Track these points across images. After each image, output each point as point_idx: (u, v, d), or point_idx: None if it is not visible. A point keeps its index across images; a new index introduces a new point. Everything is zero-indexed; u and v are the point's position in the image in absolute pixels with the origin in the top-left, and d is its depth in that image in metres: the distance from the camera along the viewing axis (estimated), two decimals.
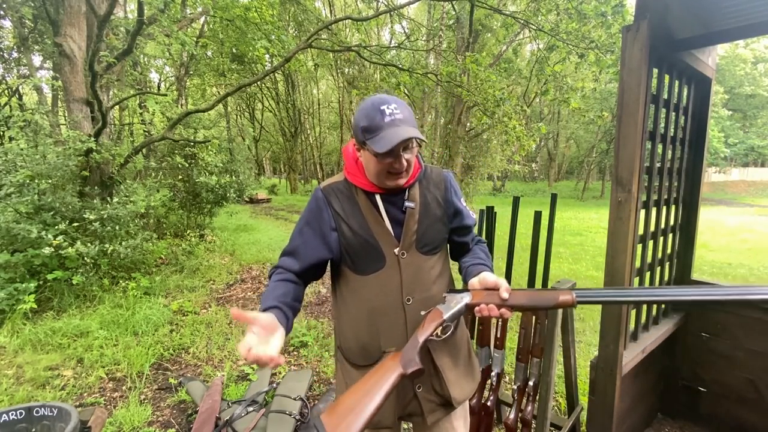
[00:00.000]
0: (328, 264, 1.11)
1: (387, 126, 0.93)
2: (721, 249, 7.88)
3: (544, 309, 0.97)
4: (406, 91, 7.17)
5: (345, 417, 0.82)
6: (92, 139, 4.32)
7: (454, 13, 10.75)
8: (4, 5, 7.57)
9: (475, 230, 1.30)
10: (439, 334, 1.00)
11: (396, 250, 1.04)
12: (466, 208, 1.18)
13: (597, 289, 0.96)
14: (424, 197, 1.09)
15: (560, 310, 1.63)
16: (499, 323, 1.69)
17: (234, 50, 9.72)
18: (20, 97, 11.51)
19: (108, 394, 2.58)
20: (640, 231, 1.70)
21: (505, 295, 0.95)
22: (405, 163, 0.98)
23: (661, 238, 1.91)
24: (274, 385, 2.58)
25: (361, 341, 1.07)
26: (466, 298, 1.00)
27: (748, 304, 1.84)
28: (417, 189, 1.09)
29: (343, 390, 1.13)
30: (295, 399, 2.35)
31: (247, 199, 14.10)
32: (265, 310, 0.92)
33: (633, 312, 1.73)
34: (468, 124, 12.71)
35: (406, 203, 1.06)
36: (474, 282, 1.03)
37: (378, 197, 1.06)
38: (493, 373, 1.70)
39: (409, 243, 1.06)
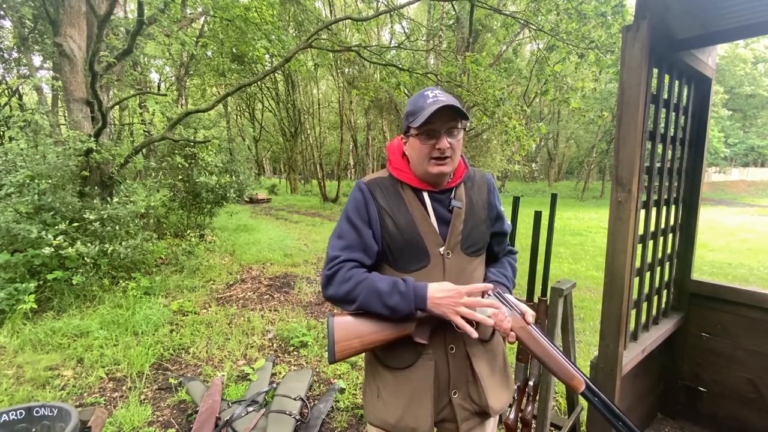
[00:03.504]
0: None
1: (429, 105, 0.95)
2: (721, 249, 7.88)
3: (551, 372, 0.96)
4: (406, 91, 7.16)
5: (351, 338, 0.96)
6: (92, 139, 4.32)
7: (454, 13, 10.75)
8: (4, 5, 7.57)
9: None
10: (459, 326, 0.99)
11: (441, 250, 1.02)
12: (504, 214, 1.18)
13: (607, 400, 0.91)
14: (470, 198, 1.09)
15: (560, 309, 1.64)
16: None
17: (234, 50, 9.72)
18: (20, 97, 11.51)
19: (108, 394, 2.58)
20: (640, 231, 1.70)
21: (530, 318, 0.95)
22: (447, 145, 0.97)
23: (661, 238, 1.91)
24: (274, 385, 2.58)
25: (398, 343, 1.02)
26: (504, 314, 0.97)
27: None
28: (463, 189, 1.09)
29: (374, 397, 1.08)
30: (295, 399, 2.35)
31: (247, 199, 14.12)
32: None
33: (633, 312, 1.73)
34: (468, 124, 12.72)
35: (453, 202, 1.05)
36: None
37: (425, 194, 1.05)
38: None
39: (454, 243, 1.04)
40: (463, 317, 0.92)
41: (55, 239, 3.63)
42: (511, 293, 1.11)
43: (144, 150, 7.41)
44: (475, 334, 0.90)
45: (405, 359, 1.02)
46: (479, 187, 1.13)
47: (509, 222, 1.21)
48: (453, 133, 0.98)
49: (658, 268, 1.93)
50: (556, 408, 2.44)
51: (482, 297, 1.01)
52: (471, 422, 1.06)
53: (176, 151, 6.00)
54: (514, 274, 1.19)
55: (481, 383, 1.04)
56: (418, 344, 0.99)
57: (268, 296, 4.55)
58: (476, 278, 1.08)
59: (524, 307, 0.98)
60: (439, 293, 0.92)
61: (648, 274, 1.83)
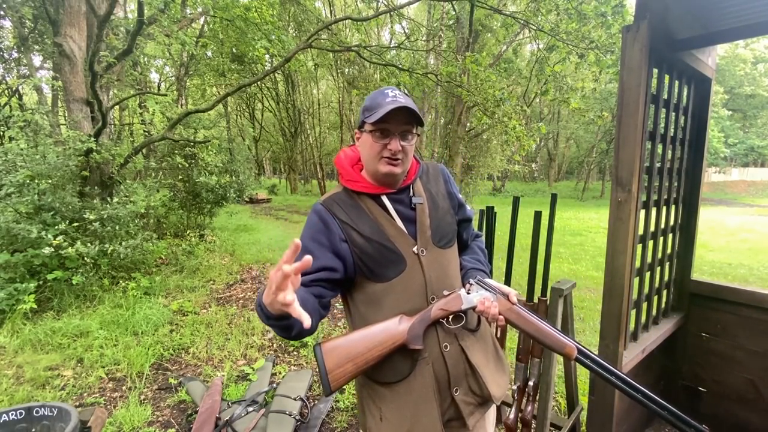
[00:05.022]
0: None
1: (387, 104, 0.93)
2: (721, 249, 7.88)
3: (545, 345, 0.99)
4: (406, 91, 7.16)
5: (343, 364, 0.90)
6: (92, 139, 4.32)
7: (454, 13, 10.75)
8: (4, 5, 7.57)
9: (475, 227, 1.32)
10: (450, 321, 0.98)
11: (414, 249, 1.00)
12: (464, 200, 1.18)
13: (597, 357, 0.96)
14: (429, 192, 1.08)
15: (560, 309, 1.64)
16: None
17: (234, 50, 9.72)
18: (20, 97, 11.51)
19: (108, 394, 2.58)
20: (640, 231, 1.70)
21: (514, 299, 0.97)
22: (399, 148, 0.95)
23: (661, 238, 1.91)
24: (274, 385, 2.58)
25: (391, 355, 0.97)
26: (491, 300, 0.99)
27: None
28: (420, 184, 1.08)
29: (377, 421, 1.01)
30: (295, 399, 2.35)
31: (247, 199, 14.11)
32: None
33: (633, 312, 1.73)
34: (468, 124, 12.71)
35: (414, 199, 1.03)
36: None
37: (384, 198, 1.02)
38: None
39: (425, 239, 1.02)
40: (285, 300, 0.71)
41: (55, 239, 3.63)
42: (489, 276, 1.11)
43: (144, 150, 7.41)
44: (307, 322, 0.72)
45: (401, 370, 0.99)
46: (435, 178, 1.12)
47: (471, 208, 1.22)
48: (407, 137, 0.97)
49: (658, 268, 1.93)
50: (556, 408, 2.44)
51: (466, 289, 1.01)
52: (476, 415, 1.05)
53: (176, 151, 6.00)
54: (486, 256, 1.21)
55: (479, 373, 1.03)
56: (412, 351, 0.97)
57: None
58: (453, 269, 1.08)
59: (507, 289, 1.00)
60: (265, 297, 0.74)
61: (648, 274, 1.83)
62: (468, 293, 0.99)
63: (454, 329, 1.01)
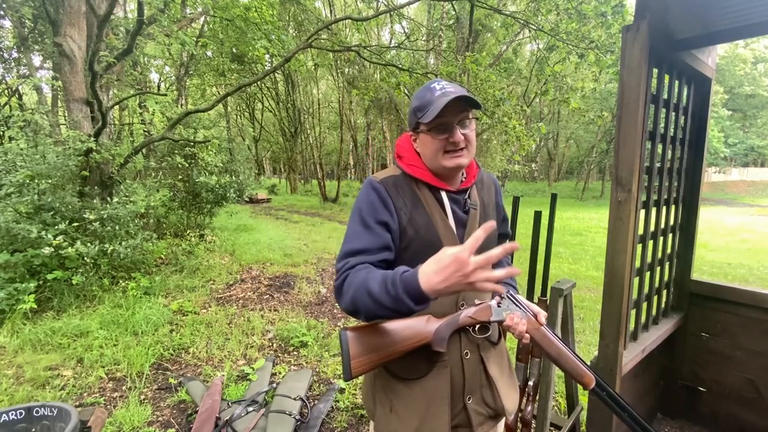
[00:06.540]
0: None
1: (437, 99, 0.91)
2: (721, 249, 7.89)
3: (564, 370, 1.00)
4: (405, 91, 7.16)
5: (368, 353, 0.90)
6: (92, 139, 4.32)
7: (454, 13, 10.75)
8: (4, 5, 7.57)
9: None
10: (476, 330, 0.98)
11: None
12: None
13: (615, 393, 0.95)
14: (482, 200, 1.07)
15: (560, 309, 1.64)
16: None
17: (234, 50, 9.73)
18: (20, 97, 11.51)
19: (108, 394, 2.58)
20: (640, 231, 1.70)
21: (543, 320, 0.97)
22: (462, 138, 0.93)
23: (661, 238, 1.91)
24: (274, 385, 2.58)
25: (413, 352, 0.96)
26: (519, 317, 0.98)
27: None
28: (475, 191, 1.07)
29: (387, 411, 1.02)
30: (295, 399, 2.35)
31: (247, 199, 14.10)
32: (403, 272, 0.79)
33: (633, 312, 1.73)
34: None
35: (469, 203, 1.02)
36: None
37: (444, 194, 1.00)
38: None
39: None
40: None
41: (55, 239, 3.63)
42: (518, 292, 1.12)
43: (144, 150, 7.41)
44: (501, 290, 0.78)
45: (420, 369, 0.99)
46: (488, 188, 1.12)
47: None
48: (465, 124, 0.95)
49: (658, 268, 1.93)
50: (556, 408, 2.44)
51: (496, 301, 0.99)
52: (485, 426, 1.04)
53: (176, 151, 5.99)
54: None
55: (495, 386, 1.04)
56: (433, 353, 0.96)
57: (268, 296, 4.55)
58: None
59: (536, 308, 0.98)
60: (436, 276, 0.74)
61: (648, 274, 1.83)
62: (498, 306, 0.98)
63: (477, 339, 1.01)
